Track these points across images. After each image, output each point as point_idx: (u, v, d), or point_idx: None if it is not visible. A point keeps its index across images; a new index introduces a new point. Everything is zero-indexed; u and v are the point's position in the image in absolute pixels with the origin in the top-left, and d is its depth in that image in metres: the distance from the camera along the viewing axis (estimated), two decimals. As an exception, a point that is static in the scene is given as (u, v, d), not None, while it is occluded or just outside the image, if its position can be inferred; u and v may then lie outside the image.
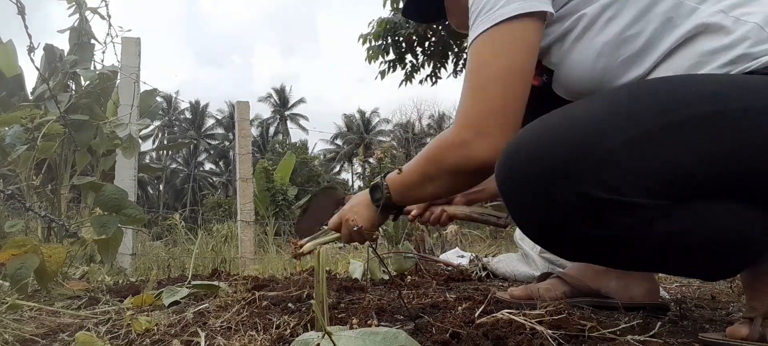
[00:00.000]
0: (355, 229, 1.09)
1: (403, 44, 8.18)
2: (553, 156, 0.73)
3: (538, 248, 2.07)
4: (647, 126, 0.70)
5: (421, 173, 1.01)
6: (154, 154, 42.64)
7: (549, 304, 1.09)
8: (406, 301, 1.25)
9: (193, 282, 1.37)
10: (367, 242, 1.10)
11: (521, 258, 2.10)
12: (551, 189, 0.72)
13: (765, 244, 0.75)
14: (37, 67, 1.97)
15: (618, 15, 0.87)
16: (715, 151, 0.69)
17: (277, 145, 38.04)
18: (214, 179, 47.76)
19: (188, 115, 50.49)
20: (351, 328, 0.79)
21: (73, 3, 2.35)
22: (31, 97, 3.09)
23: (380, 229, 1.38)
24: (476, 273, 2.06)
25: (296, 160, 14.64)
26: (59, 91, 2.33)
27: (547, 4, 0.89)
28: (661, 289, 1.29)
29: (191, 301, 1.25)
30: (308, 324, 0.91)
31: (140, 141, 2.54)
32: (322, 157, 46.16)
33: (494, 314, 0.90)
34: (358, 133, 47.17)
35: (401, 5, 8.41)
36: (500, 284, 1.87)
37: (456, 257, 2.59)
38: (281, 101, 52.16)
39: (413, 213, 1.33)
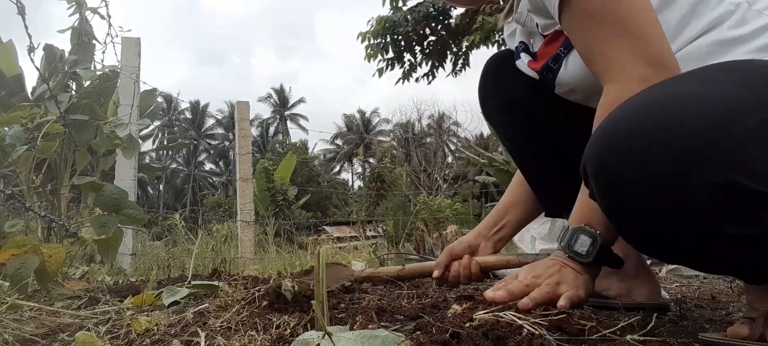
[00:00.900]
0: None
1: (402, 43, 8.20)
2: (695, 131, 0.63)
3: (537, 248, 2.07)
4: None
5: None
6: (154, 154, 42.64)
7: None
8: (406, 301, 1.25)
9: (193, 282, 1.37)
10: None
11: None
12: (689, 170, 0.63)
13: None
14: (37, 67, 1.97)
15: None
16: None
17: (277, 145, 38.04)
18: (214, 178, 47.76)
19: (188, 115, 50.52)
20: (351, 328, 0.79)
21: (73, 3, 2.35)
22: (31, 98, 3.09)
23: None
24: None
25: (297, 161, 14.64)
26: (59, 91, 2.33)
27: None
28: (661, 289, 1.29)
29: (191, 301, 1.25)
30: (308, 324, 0.91)
31: (140, 141, 2.54)
32: (322, 157, 46.18)
33: (494, 315, 0.90)
34: (358, 133, 47.18)
35: (400, 4, 8.44)
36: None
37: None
38: (281, 101, 52.18)
39: (434, 275, 1.15)
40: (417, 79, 8.67)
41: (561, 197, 1.27)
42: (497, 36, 7.11)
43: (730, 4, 0.83)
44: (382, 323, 0.96)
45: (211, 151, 50.07)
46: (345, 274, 1.33)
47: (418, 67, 8.55)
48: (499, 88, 1.27)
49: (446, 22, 8.03)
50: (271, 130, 51.41)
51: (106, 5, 2.35)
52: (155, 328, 0.96)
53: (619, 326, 0.88)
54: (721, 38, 0.81)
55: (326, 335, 0.67)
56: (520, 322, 0.84)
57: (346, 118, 48.86)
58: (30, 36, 1.80)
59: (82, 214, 2.60)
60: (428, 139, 34.98)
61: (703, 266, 0.81)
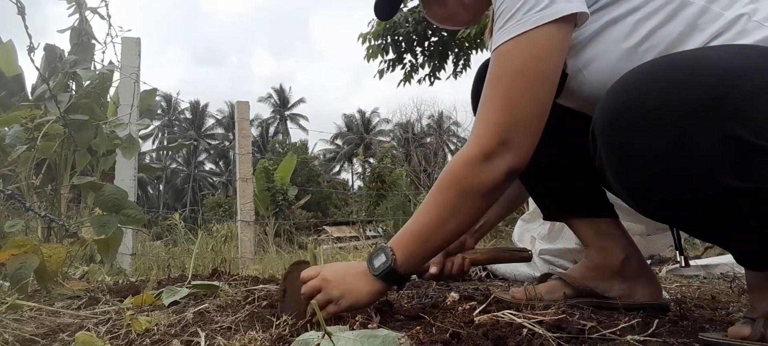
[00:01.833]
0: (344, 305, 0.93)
1: (403, 43, 8.19)
2: (698, 89, 0.67)
3: (537, 248, 2.07)
4: None
5: (438, 209, 0.91)
6: (154, 154, 42.66)
7: (549, 304, 1.09)
8: (406, 301, 1.25)
9: (193, 282, 1.37)
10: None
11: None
12: (696, 126, 0.66)
13: None
14: (37, 67, 1.97)
15: (648, 18, 0.86)
16: None
17: (277, 145, 38.05)
18: (214, 178, 47.77)
19: (188, 115, 50.53)
20: (351, 328, 0.79)
21: (73, 3, 2.35)
22: (31, 98, 3.09)
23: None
24: (476, 273, 2.06)
25: (297, 161, 14.65)
26: (59, 91, 2.33)
27: (584, 5, 0.86)
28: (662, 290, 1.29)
29: (191, 301, 1.25)
30: (308, 324, 0.91)
31: (140, 141, 2.54)
32: (321, 157, 46.18)
33: (494, 314, 0.90)
34: (358, 134, 47.18)
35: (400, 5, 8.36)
36: (500, 284, 1.87)
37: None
38: (281, 101, 52.18)
39: (432, 272, 1.19)
40: (419, 81, 8.67)
41: (557, 200, 1.27)
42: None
43: (731, 17, 0.82)
44: (382, 323, 0.96)
45: (211, 151, 50.08)
46: None
47: (420, 69, 8.54)
48: None
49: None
50: (271, 130, 51.42)
51: (106, 5, 2.35)
52: (155, 328, 0.96)
53: (620, 326, 0.88)
54: (742, 43, 0.81)
55: (326, 335, 0.67)
56: (520, 321, 0.84)
57: (346, 118, 48.89)
58: (30, 36, 1.80)
59: (82, 214, 2.60)
60: (428, 139, 34.98)
61: (703, 230, 0.83)
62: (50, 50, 2.97)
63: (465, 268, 1.23)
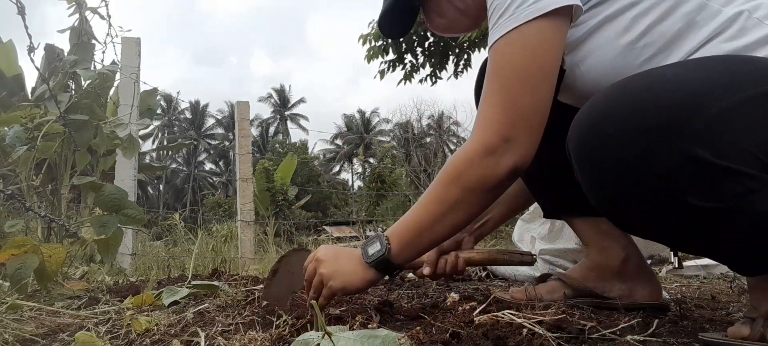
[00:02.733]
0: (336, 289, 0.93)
1: (403, 44, 8.19)
2: (663, 110, 0.69)
3: (537, 248, 2.07)
4: (754, 91, 0.68)
5: (438, 202, 0.90)
6: (154, 154, 42.66)
7: (549, 304, 1.09)
8: (406, 301, 1.25)
9: (193, 282, 1.37)
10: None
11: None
12: (658, 147, 0.68)
13: None
14: (37, 68, 1.97)
15: (645, 14, 0.85)
16: None
17: (277, 145, 38.05)
18: (214, 178, 47.78)
19: (188, 115, 50.53)
20: (351, 328, 0.79)
21: (73, 3, 2.35)
22: (31, 98, 3.09)
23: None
24: (476, 273, 2.06)
25: (297, 161, 14.65)
26: (59, 91, 2.33)
27: None
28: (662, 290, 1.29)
29: (191, 301, 1.25)
30: (308, 324, 0.91)
31: (140, 141, 2.54)
32: (321, 157, 46.17)
33: (494, 314, 0.90)
34: (358, 133, 47.18)
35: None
36: (500, 284, 1.87)
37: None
38: (281, 101, 52.19)
39: (424, 272, 1.18)
40: (420, 81, 8.66)
41: (558, 198, 1.26)
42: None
43: (731, 13, 0.81)
44: (382, 323, 0.96)
45: (211, 151, 50.08)
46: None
47: (421, 69, 8.53)
48: None
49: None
50: (271, 130, 51.43)
51: (106, 5, 2.35)
52: (155, 328, 0.96)
53: (620, 326, 0.88)
54: (720, 50, 0.80)
55: (326, 335, 0.67)
56: (520, 321, 0.84)
57: (345, 118, 48.89)
58: (30, 36, 1.80)
59: (82, 214, 2.60)
60: (428, 139, 34.98)
61: (682, 245, 0.85)
62: (50, 50, 2.97)
63: (459, 267, 1.22)
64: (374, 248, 0.93)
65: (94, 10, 2.37)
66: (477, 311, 0.97)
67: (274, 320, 0.95)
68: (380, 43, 8.13)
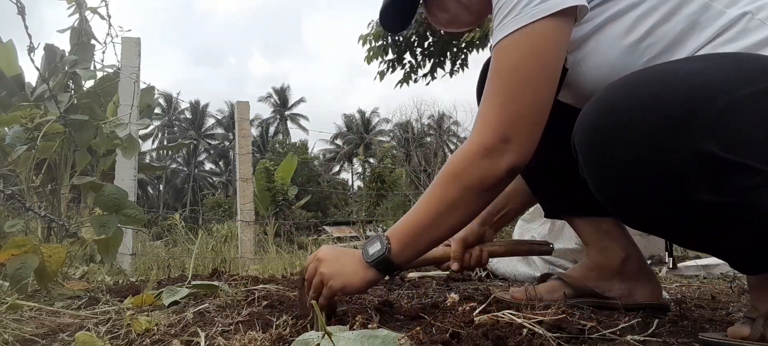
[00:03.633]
0: (337, 288, 0.93)
1: (403, 44, 8.19)
2: (671, 104, 0.68)
3: (538, 248, 2.07)
4: (762, 86, 0.68)
5: (438, 202, 0.90)
6: (154, 154, 42.65)
7: (549, 304, 1.09)
8: (406, 301, 1.25)
9: (193, 282, 1.37)
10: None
11: (521, 258, 2.10)
12: (666, 140, 0.67)
13: None
14: (37, 68, 1.97)
15: (649, 14, 0.85)
16: None
17: (277, 145, 38.04)
18: (214, 178, 47.77)
19: (188, 115, 50.53)
20: (351, 328, 0.79)
21: (73, 3, 2.35)
22: (30, 98, 3.09)
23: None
24: (476, 273, 2.06)
25: (297, 161, 14.64)
26: (59, 91, 2.33)
27: None
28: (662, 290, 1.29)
29: (191, 301, 1.25)
30: (308, 324, 0.91)
31: (140, 141, 2.54)
32: (321, 157, 46.16)
33: (494, 314, 0.90)
34: (358, 133, 47.17)
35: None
36: (500, 284, 1.87)
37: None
38: (281, 101, 52.18)
39: (453, 267, 1.20)
40: (415, 80, 8.67)
41: (559, 197, 1.26)
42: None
43: (734, 15, 0.81)
44: (382, 323, 0.96)
45: (211, 151, 50.08)
46: None
47: (419, 69, 8.54)
48: None
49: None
50: (271, 130, 51.42)
51: (106, 5, 2.35)
52: (155, 328, 0.96)
53: (620, 326, 0.88)
54: (721, 52, 0.80)
55: (326, 335, 0.67)
56: (520, 321, 0.84)
57: (345, 118, 48.88)
58: (30, 36, 1.80)
59: (82, 214, 2.60)
60: (428, 139, 34.97)
61: (687, 241, 0.86)
62: (50, 50, 2.96)
63: (483, 260, 1.24)
64: (374, 248, 0.94)
65: (94, 10, 2.37)
66: (477, 311, 0.97)
67: (275, 320, 0.95)
68: (380, 43, 8.13)
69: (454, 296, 1.14)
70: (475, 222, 1.29)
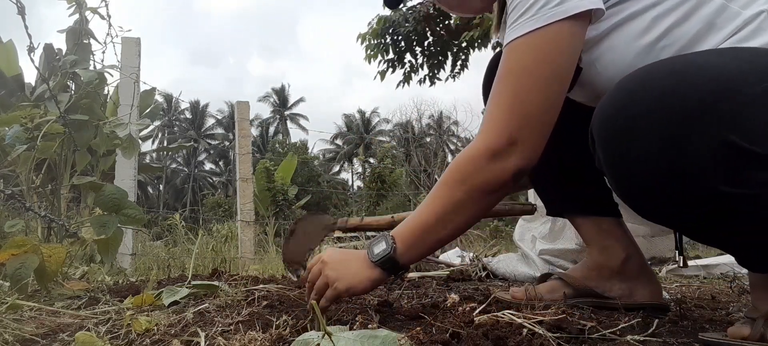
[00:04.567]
0: (339, 289, 0.94)
1: (403, 43, 8.19)
2: (694, 93, 0.68)
3: (538, 248, 2.07)
4: None
5: (443, 204, 0.90)
6: (154, 154, 42.66)
7: (549, 304, 1.09)
8: (406, 301, 1.25)
9: (193, 282, 1.37)
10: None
11: (521, 258, 2.10)
12: (690, 131, 0.67)
13: None
14: (37, 68, 1.97)
15: (666, 15, 0.85)
16: None
17: (277, 145, 38.04)
18: (214, 178, 47.76)
19: (188, 115, 50.54)
20: (351, 328, 0.79)
21: (73, 3, 2.34)
22: (30, 98, 3.09)
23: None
24: (476, 273, 2.06)
25: (297, 161, 14.64)
26: (59, 91, 2.33)
27: (599, 1, 0.84)
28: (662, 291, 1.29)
29: (191, 301, 1.25)
30: (308, 324, 0.91)
31: (140, 141, 2.54)
32: (321, 157, 46.16)
33: (494, 314, 0.90)
34: (358, 133, 47.17)
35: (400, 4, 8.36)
36: (500, 284, 1.87)
37: (456, 256, 2.59)
38: (281, 101, 52.18)
39: None
40: (419, 82, 8.67)
41: (561, 197, 1.27)
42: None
43: (749, 15, 0.81)
44: (381, 324, 0.96)
45: (211, 151, 50.08)
46: (324, 223, 1.32)
47: (420, 69, 8.54)
48: None
49: (446, 22, 8.03)
50: (271, 130, 51.42)
51: (106, 5, 2.35)
52: (155, 328, 0.96)
53: (620, 326, 0.88)
54: (737, 46, 0.80)
55: (326, 335, 0.67)
56: (520, 321, 0.84)
57: (345, 118, 48.89)
58: (30, 36, 1.80)
59: (82, 214, 2.60)
60: (428, 139, 34.97)
61: (700, 234, 0.84)
62: (49, 50, 2.96)
63: None
64: (380, 248, 0.94)
65: (94, 10, 2.37)
66: (477, 311, 0.97)
67: (275, 320, 0.95)
68: (379, 41, 8.13)
69: (454, 297, 1.14)
70: None
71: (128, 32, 2.59)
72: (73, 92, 2.38)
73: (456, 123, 35.36)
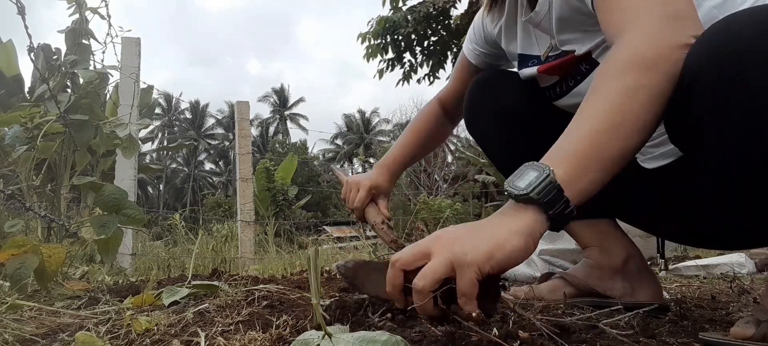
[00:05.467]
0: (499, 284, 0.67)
1: (402, 43, 8.20)
2: None
3: (538, 248, 2.07)
4: None
5: (622, 97, 0.66)
6: (154, 154, 42.65)
7: (550, 303, 1.09)
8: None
9: (193, 282, 1.36)
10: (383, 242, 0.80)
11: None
12: None
13: None
14: (37, 68, 1.97)
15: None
16: None
17: (277, 145, 38.03)
18: (214, 178, 47.76)
19: (188, 115, 50.55)
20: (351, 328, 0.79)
21: (73, 3, 2.35)
22: (30, 98, 3.09)
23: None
24: (476, 273, 2.06)
25: (297, 161, 14.62)
26: (58, 91, 2.33)
27: None
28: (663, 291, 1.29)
29: (191, 301, 1.25)
30: (308, 324, 0.91)
31: (140, 142, 2.54)
32: (321, 157, 46.17)
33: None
34: (358, 133, 47.17)
35: (400, 4, 8.42)
36: (500, 284, 1.86)
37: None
38: (281, 101, 52.18)
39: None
40: (418, 80, 8.68)
41: None
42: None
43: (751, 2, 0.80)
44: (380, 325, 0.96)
45: (211, 151, 50.07)
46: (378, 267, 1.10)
47: (419, 68, 8.55)
48: (492, 100, 1.26)
49: (446, 22, 8.04)
50: (271, 130, 51.42)
51: (106, 5, 2.35)
52: (155, 328, 0.96)
53: (620, 325, 0.88)
54: None
55: (326, 336, 0.67)
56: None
57: (345, 118, 48.88)
58: (30, 36, 1.81)
59: (82, 214, 2.60)
60: (428, 139, 34.85)
61: None
62: (46, 50, 2.96)
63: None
64: (529, 178, 0.64)
65: (95, 10, 2.37)
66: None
67: (275, 320, 0.95)
68: (379, 41, 8.14)
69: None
70: (386, 172, 1.33)
71: (128, 32, 2.59)
72: (71, 92, 2.38)
73: (456, 123, 35.28)
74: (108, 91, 2.72)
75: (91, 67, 2.43)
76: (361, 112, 48.47)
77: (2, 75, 3.35)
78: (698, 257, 2.46)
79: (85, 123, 2.23)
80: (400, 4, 8.02)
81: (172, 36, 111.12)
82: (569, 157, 0.65)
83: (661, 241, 1.33)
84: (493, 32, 1.27)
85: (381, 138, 45.17)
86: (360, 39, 8.16)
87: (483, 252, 0.61)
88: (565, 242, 2.01)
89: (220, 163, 50.06)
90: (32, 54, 1.84)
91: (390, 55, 8.34)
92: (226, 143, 48.33)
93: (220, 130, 50.32)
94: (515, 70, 1.24)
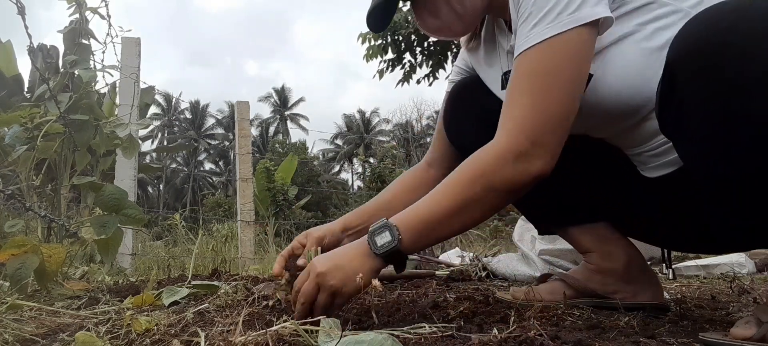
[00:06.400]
0: (339, 289, 0.87)
1: (402, 43, 8.20)
2: None
3: (537, 248, 2.07)
4: None
5: (459, 199, 0.88)
6: (154, 154, 42.65)
7: (549, 304, 1.09)
8: (407, 300, 1.25)
9: (193, 282, 1.37)
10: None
11: (521, 258, 2.10)
12: None
13: None
14: (37, 68, 1.97)
15: (667, 28, 0.87)
16: None
17: (277, 145, 38.04)
18: (214, 178, 47.77)
19: (188, 115, 50.56)
20: (343, 326, 0.79)
21: (73, 3, 2.35)
22: (30, 98, 3.09)
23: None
24: (476, 273, 2.06)
25: (297, 162, 14.61)
26: (58, 91, 2.33)
27: (608, 9, 0.86)
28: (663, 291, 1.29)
29: (191, 301, 1.25)
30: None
31: (140, 142, 2.54)
32: (321, 157, 46.17)
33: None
34: (358, 133, 47.18)
35: (400, 4, 8.39)
36: (500, 284, 1.87)
37: (456, 256, 2.59)
38: (281, 101, 52.19)
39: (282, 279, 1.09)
40: (418, 81, 8.68)
41: (550, 212, 1.26)
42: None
43: None
44: (379, 324, 0.96)
45: (211, 151, 50.09)
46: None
47: (419, 69, 8.55)
48: (472, 103, 1.26)
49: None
50: (271, 130, 51.44)
51: (106, 5, 2.35)
52: (155, 328, 0.96)
53: (620, 326, 0.88)
54: None
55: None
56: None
57: (346, 118, 48.90)
58: (30, 36, 1.81)
59: (82, 214, 2.60)
60: (428, 139, 34.94)
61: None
62: (43, 50, 2.96)
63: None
64: (384, 239, 0.89)
65: (94, 10, 2.37)
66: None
67: (275, 320, 0.95)
68: (380, 42, 8.14)
69: (451, 297, 1.14)
70: (337, 225, 1.22)
71: (128, 32, 2.59)
72: (71, 92, 2.38)
73: (456, 123, 35.26)
74: (103, 89, 2.71)
75: (94, 67, 2.43)
76: (361, 112, 48.53)
77: (2, 75, 3.34)
78: (698, 257, 2.46)
79: (85, 123, 2.23)
80: (400, 4, 8.01)
81: (171, 36, 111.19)
82: (414, 230, 0.89)
83: (668, 250, 1.34)
84: (472, 63, 1.29)
85: (381, 138, 45.20)
86: (360, 39, 8.16)
87: (350, 290, 0.89)
88: (564, 242, 2.01)
89: (220, 163, 50.07)
90: (32, 54, 1.83)
91: (390, 55, 8.35)
92: (226, 143, 48.35)
93: (220, 130, 50.34)
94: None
